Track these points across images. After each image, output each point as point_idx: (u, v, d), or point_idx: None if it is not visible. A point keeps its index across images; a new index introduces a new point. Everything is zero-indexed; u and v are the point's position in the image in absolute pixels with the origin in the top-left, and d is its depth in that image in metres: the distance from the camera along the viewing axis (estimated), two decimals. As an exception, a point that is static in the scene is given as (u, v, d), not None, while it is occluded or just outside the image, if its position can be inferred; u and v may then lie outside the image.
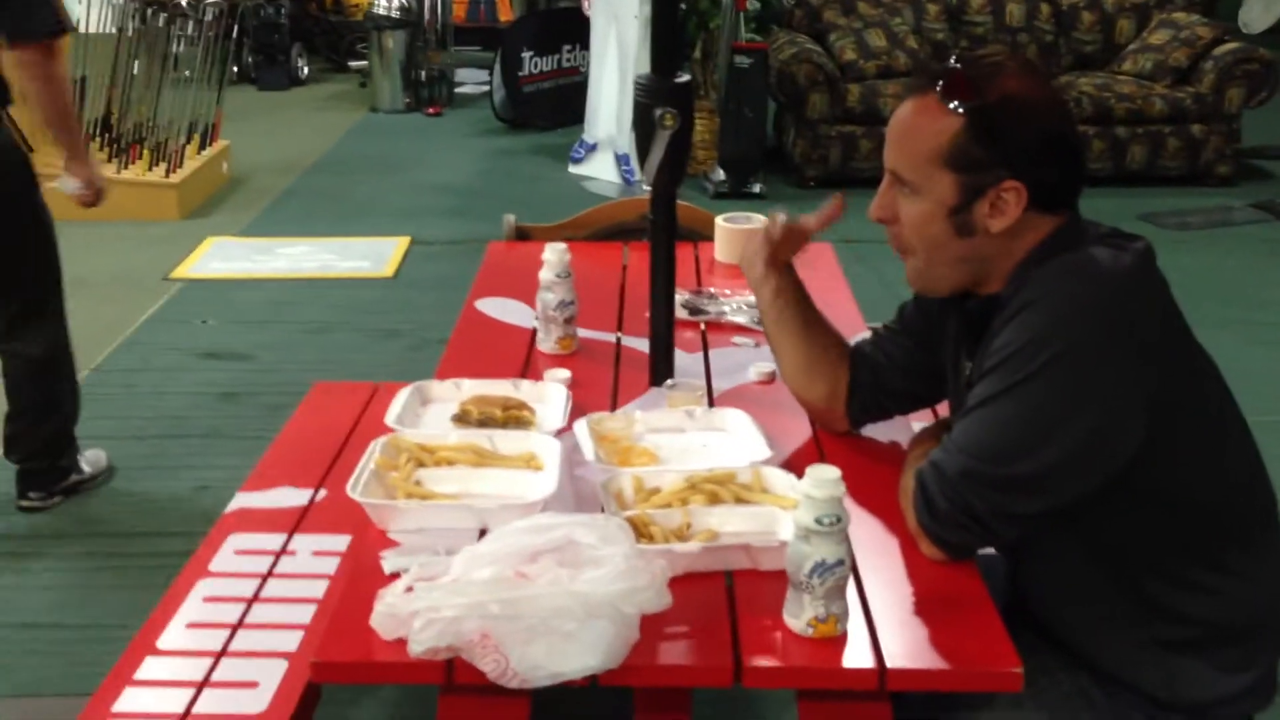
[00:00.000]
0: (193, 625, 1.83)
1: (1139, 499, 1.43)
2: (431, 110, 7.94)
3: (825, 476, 1.29)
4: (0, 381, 3.08)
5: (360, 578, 1.45)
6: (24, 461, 3.10)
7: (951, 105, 1.43)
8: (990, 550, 1.57)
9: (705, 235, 2.67)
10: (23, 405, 3.04)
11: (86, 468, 3.22)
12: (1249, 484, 1.52)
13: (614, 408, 1.89)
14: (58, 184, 2.96)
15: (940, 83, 1.44)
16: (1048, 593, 1.56)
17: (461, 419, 1.80)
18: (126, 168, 5.74)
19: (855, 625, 1.36)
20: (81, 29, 5.79)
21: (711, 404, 1.90)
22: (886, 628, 1.36)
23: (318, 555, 2.00)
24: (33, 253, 2.96)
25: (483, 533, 1.50)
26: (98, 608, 2.75)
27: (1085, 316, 1.38)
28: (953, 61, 1.47)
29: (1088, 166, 1.53)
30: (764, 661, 1.31)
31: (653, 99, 1.79)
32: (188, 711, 1.65)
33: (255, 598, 1.89)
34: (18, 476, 3.11)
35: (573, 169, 6.54)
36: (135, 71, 5.88)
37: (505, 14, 9.16)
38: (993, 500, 1.41)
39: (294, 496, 2.18)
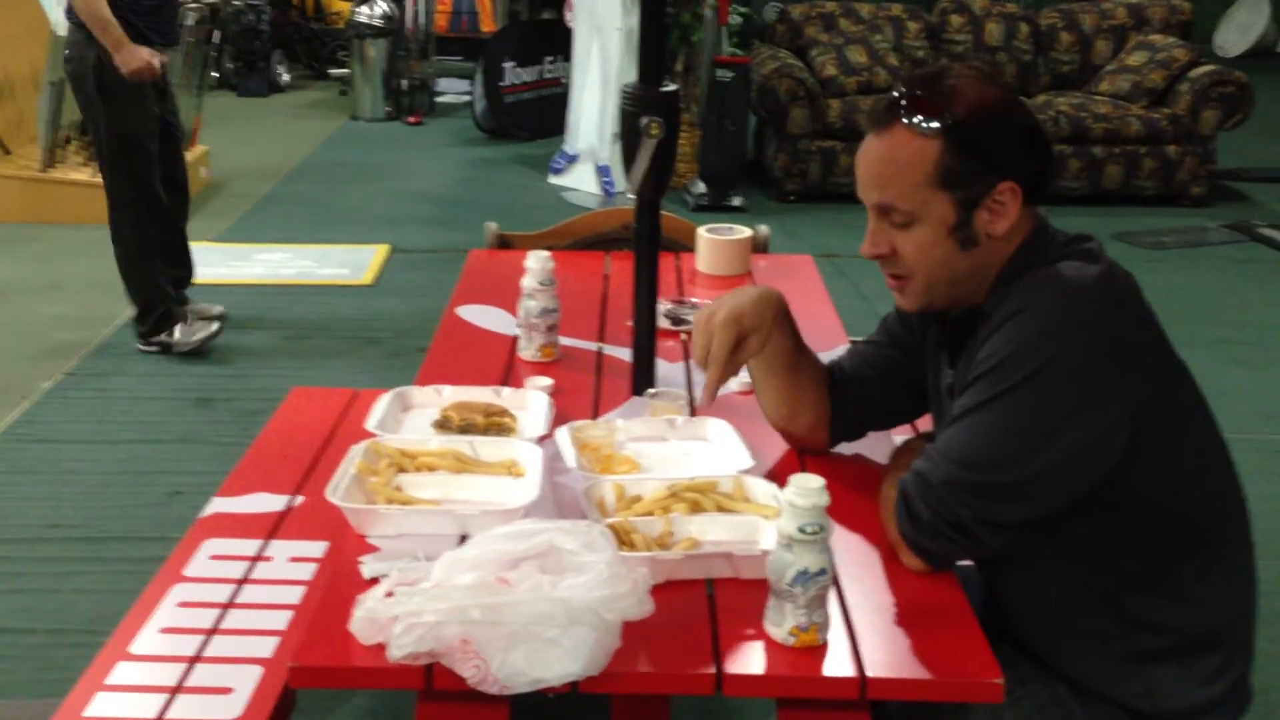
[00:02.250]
0: (166, 630, 1.81)
1: (1118, 506, 1.44)
2: (412, 119, 7.94)
3: (809, 485, 1.29)
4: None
5: (339, 582, 1.44)
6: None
7: (924, 129, 1.43)
8: (967, 562, 1.58)
9: (687, 246, 2.67)
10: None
11: (177, 333, 4.06)
12: (1222, 489, 1.54)
13: (596, 416, 1.89)
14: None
15: (903, 112, 1.45)
16: (1025, 606, 1.56)
17: (443, 425, 1.79)
18: (104, 171, 5.70)
19: (836, 634, 1.36)
20: (63, 34, 5.76)
21: (693, 413, 1.90)
22: (867, 637, 1.36)
23: (294, 561, 1.98)
24: None
25: (463, 539, 1.49)
26: (70, 613, 2.72)
27: (1069, 327, 1.39)
28: (901, 91, 1.47)
29: (1051, 147, 1.56)
30: (745, 670, 1.31)
31: (639, 107, 1.79)
32: (161, 717, 1.62)
33: (230, 603, 1.87)
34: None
35: (553, 179, 6.54)
36: (114, 75, 5.83)
37: (487, 24, 9.17)
38: (977, 508, 1.42)
39: (271, 502, 2.16)
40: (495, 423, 1.79)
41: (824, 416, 1.74)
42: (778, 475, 1.66)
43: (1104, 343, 1.39)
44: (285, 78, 8.86)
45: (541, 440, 1.73)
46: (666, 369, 2.05)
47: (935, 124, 1.43)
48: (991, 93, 1.46)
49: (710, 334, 1.65)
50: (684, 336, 2.23)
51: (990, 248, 1.48)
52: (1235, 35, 9.22)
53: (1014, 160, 1.46)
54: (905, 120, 1.44)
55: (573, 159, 6.48)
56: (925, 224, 1.47)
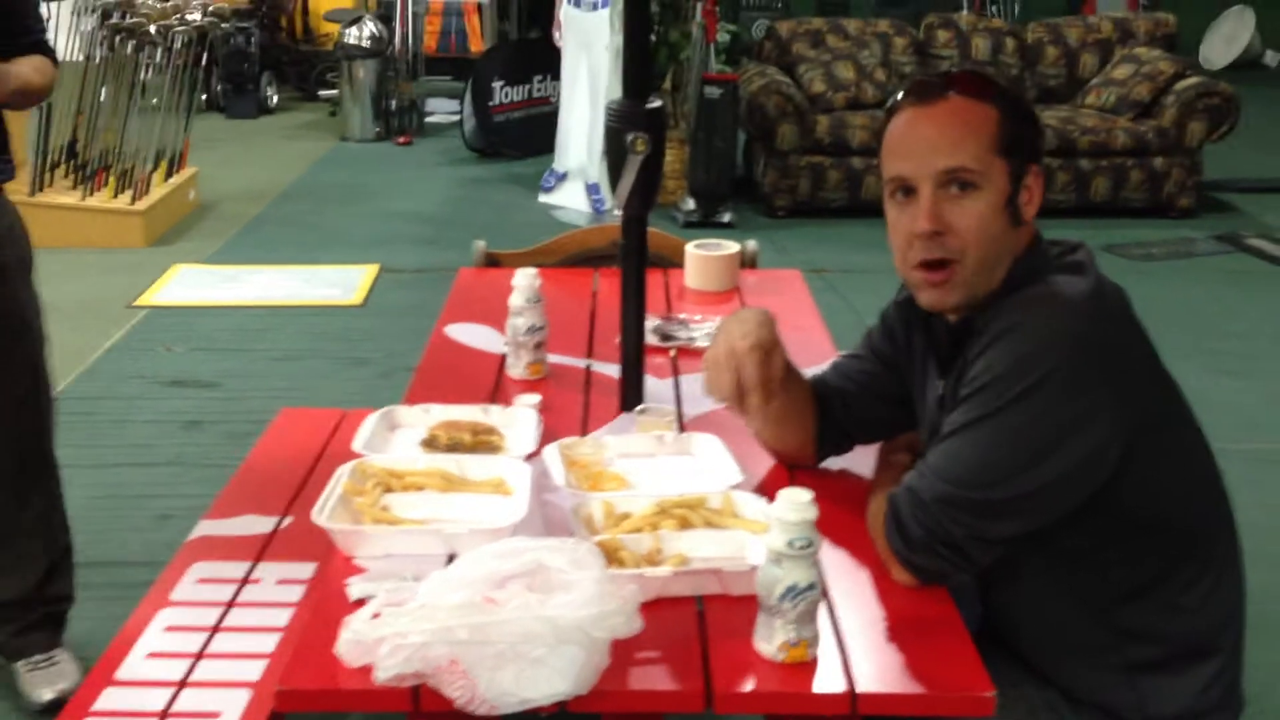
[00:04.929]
0: (153, 655, 1.80)
1: (1109, 518, 1.44)
2: (402, 140, 7.94)
3: (798, 499, 1.28)
4: None
5: (326, 604, 1.43)
6: None
7: (983, 96, 1.47)
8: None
9: (675, 262, 2.67)
10: None
11: None
12: (1211, 500, 1.54)
13: (584, 433, 1.88)
14: None
15: (952, 85, 1.48)
16: (1016, 617, 1.56)
17: (430, 444, 1.78)
18: (92, 194, 5.70)
19: (826, 650, 1.35)
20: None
21: (682, 429, 1.89)
22: (858, 652, 1.35)
23: (282, 583, 1.97)
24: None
25: (451, 558, 1.49)
26: (56, 639, 2.69)
27: (1061, 344, 1.39)
28: (942, 70, 1.56)
29: None
30: (735, 686, 1.30)
31: (624, 124, 1.79)
32: (148, 742, 1.61)
33: (218, 627, 1.86)
34: None
35: (543, 198, 6.54)
36: (102, 98, 5.84)
37: (476, 44, 9.18)
38: (970, 525, 1.41)
39: (258, 524, 2.15)
40: (483, 441, 1.78)
41: (811, 434, 1.73)
42: (766, 490, 1.66)
43: (1096, 359, 1.39)
44: (274, 99, 8.86)
45: (529, 458, 1.72)
46: (655, 385, 2.04)
47: (992, 93, 1.47)
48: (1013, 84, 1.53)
49: (734, 366, 1.60)
50: (672, 353, 2.22)
51: (1020, 234, 1.50)
52: (1221, 47, 9.27)
53: (1039, 147, 1.52)
54: (960, 92, 1.47)
55: (562, 177, 6.49)
56: (987, 191, 1.46)
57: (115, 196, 5.71)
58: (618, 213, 1.88)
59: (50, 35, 2.51)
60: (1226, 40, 9.20)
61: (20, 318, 2.37)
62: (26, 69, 2.30)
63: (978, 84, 1.49)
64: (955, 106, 1.47)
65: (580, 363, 2.18)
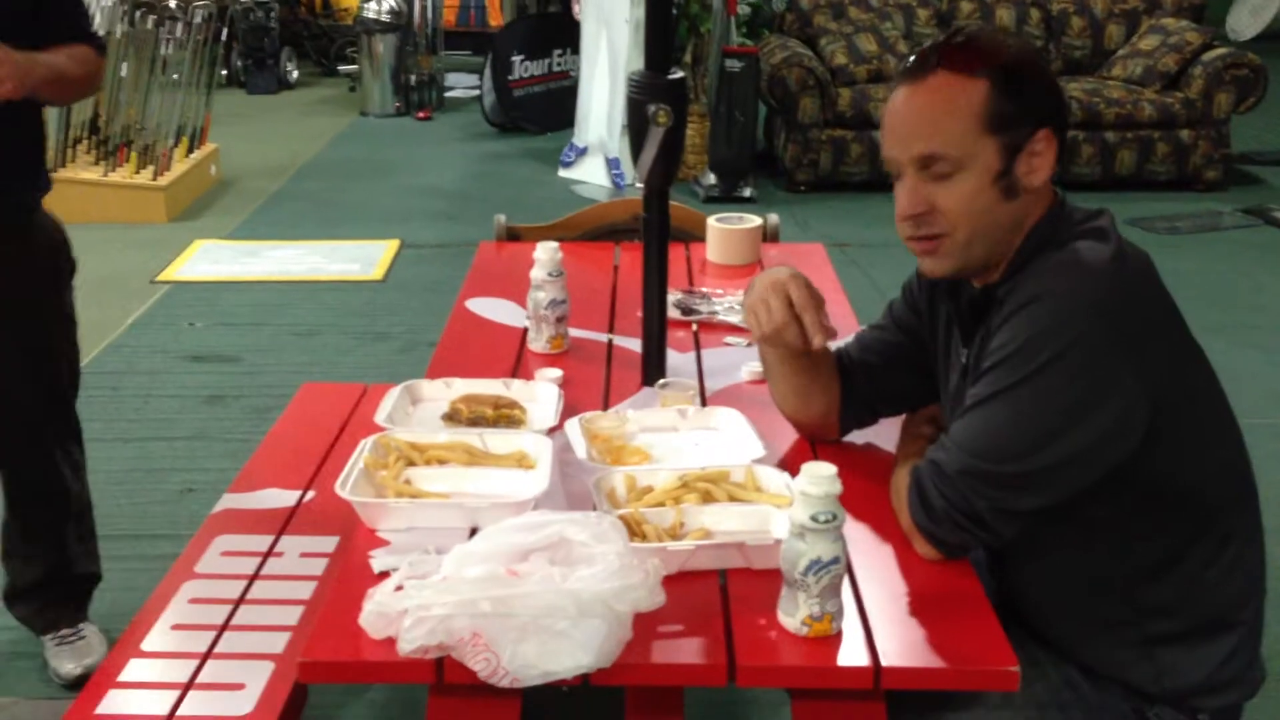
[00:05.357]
0: (178, 627, 1.81)
1: (1131, 490, 1.43)
2: (421, 114, 7.93)
3: (821, 473, 1.27)
4: None
5: (349, 577, 1.43)
6: None
7: (972, 71, 1.42)
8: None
9: (697, 236, 2.66)
10: None
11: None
12: (1235, 473, 1.52)
13: (606, 407, 1.88)
14: None
15: (944, 59, 1.43)
16: (1037, 592, 1.55)
17: (452, 418, 1.78)
18: (114, 170, 5.72)
19: (850, 624, 1.34)
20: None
21: (704, 403, 1.89)
22: (881, 626, 1.35)
23: (305, 557, 1.98)
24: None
25: (473, 532, 1.49)
26: (83, 611, 2.71)
27: (1084, 314, 1.37)
28: (937, 42, 1.47)
29: None
30: (758, 660, 1.30)
31: (646, 95, 1.77)
32: (172, 714, 1.63)
33: (242, 599, 1.87)
34: None
35: (563, 173, 6.52)
36: (123, 74, 5.85)
37: (495, 18, 9.16)
38: (994, 498, 1.40)
39: (282, 497, 2.16)
40: (505, 415, 1.78)
41: (835, 405, 1.72)
42: (789, 464, 1.65)
43: (1119, 328, 1.37)
44: (294, 75, 8.86)
45: (551, 432, 1.72)
46: (677, 359, 2.04)
47: (982, 65, 1.42)
48: (1022, 47, 1.48)
49: (782, 292, 1.60)
50: (694, 327, 2.21)
51: (1025, 203, 1.46)
52: (1248, 18, 9.14)
53: (1051, 108, 1.46)
54: (948, 67, 1.43)
55: (582, 152, 6.47)
56: (970, 172, 1.43)
57: (137, 172, 5.72)
58: (639, 186, 1.86)
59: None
60: (1254, 11, 9.07)
61: (68, 322, 2.42)
62: (60, 58, 2.11)
63: (966, 56, 1.43)
64: (940, 83, 1.43)
65: (602, 337, 2.17)
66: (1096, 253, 1.42)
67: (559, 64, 7.54)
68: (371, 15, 7.81)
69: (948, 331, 1.61)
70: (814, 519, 1.27)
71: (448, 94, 8.45)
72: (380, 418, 1.76)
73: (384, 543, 1.50)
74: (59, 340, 2.40)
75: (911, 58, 1.48)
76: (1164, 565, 1.47)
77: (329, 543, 2.00)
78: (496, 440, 1.69)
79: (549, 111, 7.35)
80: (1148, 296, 1.44)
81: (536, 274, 2.07)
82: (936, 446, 1.47)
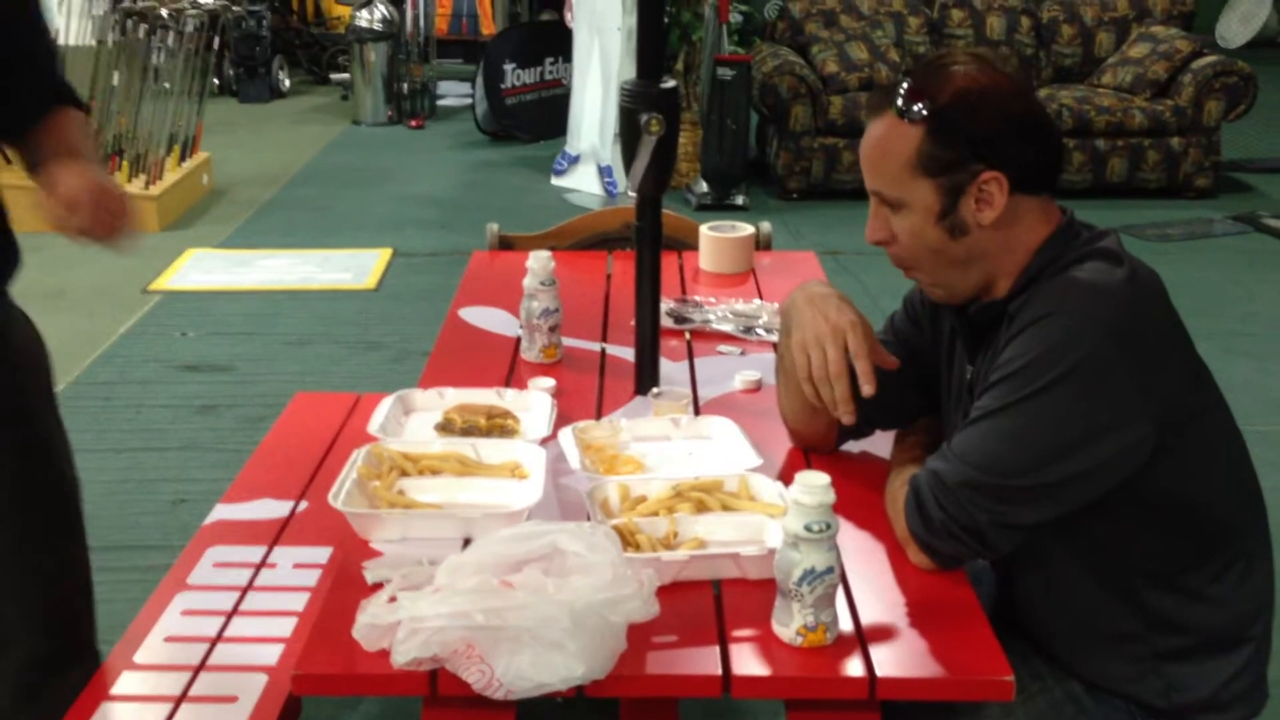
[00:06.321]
0: (171, 639, 1.80)
1: (1139, 505, 1.43)
2: (413, 123, 7.93)
3: (815, 483, 1.27)
4: None
5: (342, 588, 1.43)
6: None
7: (910, 115, 1.43)
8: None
9: (690, 244, 2.66)
10: None
11: None
12: (1242, 487, 1.52)
13: (599, 416, 1.87)
14: None
15: (897, 98, 1.44)
16: (1042, 605, 1.54)
17: (445, 428, 1.78)
18: (105, 179, 5.70)
19: (845, 634, 1.34)
20: (61, 40, 5.76)
21: (697, 412, 1.88)
22: (876, 636, 1.35)
23: (298, 568, 1.97)
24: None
25: (467, 542, 1.48)
26: (74, 622, 2.70)
27: (1094, 332, 1.37)
28: (901, 77, 1.48)
29: (1060, 137, 1.51)
30: (753, 671, 1.30)
31: (639, 104, 1.77)
32: (165, 726, 1.61)
33: (235, 611, 1.86)
34: None
35: (555, 181, 6.53)
36: (115, 83, 5.84)
37: (488, 26, 9.16)
38: (993, 511, 1.40)
39: (274, 508, 2.15)
40: (498, 425, 1.77)
41: (835, 421, 1.72)
42: (783, 473, 1.65)
43: (1130, 348, 1.37)
44: (286, 83, 8.86)
45: (545, 442, 1.72)
46: (670, 368, 2.03)
47: (920, 110, 1.42)
48: (983, 80, 1.42)
49: (839, 343, 1.57)
50: (687, 336, 2.21)
51: (987, 236, 1.45)
52: (1237, 26, 9.18)
53: (997, 148, 1.42)
54: (897, 106, 1.44)
55: (575, 160, 6.47)
56: (913, 211, 1.46)
57: (129, 181, 5.71)
58: (631, 194, 1.86)
59: (62, 20, 2.20)
60: (1243, 19, 9.11)
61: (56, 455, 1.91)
62: (89, 145, 1.79)
63: (909, 99, 1.43)
64: (884, 125, 1.46)
65: (595, 346, 2.17)
66: (1110, 273, 1.41)
67: (551, 72, 7.55)
68: (363, 24, 7.81)
69: (951, 344, 1.61)
70: (808, 529, 1.27)
71: (440, 102, 8.45)
72: (373, 428, 1.75)
73: (377, 553, 1.49)
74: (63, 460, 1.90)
75: (879, 89, 1.51)
76: (1173, 580, 1.47)
77: (322, 554, 1.99)
78: (490, 450, 1.69)
79: (541, 120, 7.35)
80: (1159, 317, 1.44)
81: (529, 283, 2.07)
82: (937, 456, 1.47)
